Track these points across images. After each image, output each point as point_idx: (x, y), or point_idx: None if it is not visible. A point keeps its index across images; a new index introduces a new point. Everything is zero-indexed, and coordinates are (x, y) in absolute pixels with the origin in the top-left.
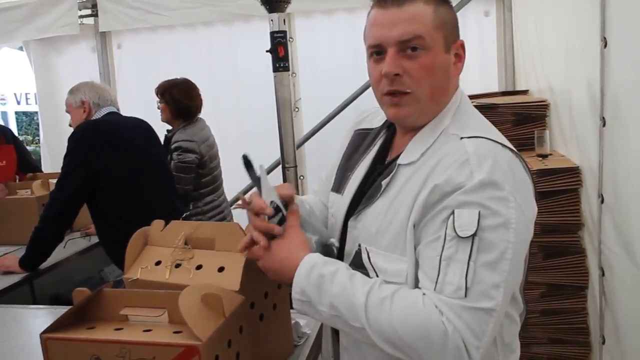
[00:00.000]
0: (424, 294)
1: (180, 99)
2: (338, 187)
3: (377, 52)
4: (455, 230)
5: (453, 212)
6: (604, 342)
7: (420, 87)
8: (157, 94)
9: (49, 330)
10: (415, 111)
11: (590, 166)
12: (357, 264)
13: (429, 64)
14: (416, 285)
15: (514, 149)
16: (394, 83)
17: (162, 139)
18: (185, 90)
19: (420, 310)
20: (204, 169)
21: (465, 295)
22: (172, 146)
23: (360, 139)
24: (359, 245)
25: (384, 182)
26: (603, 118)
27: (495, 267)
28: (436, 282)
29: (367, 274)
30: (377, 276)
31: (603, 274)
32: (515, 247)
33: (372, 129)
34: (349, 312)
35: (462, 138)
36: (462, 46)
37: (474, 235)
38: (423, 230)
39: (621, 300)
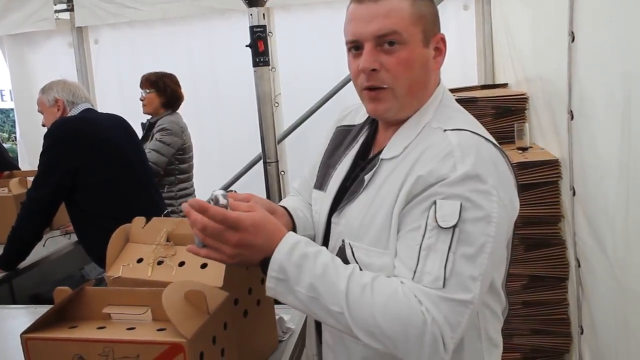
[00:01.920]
0: (402, 282)
1: (174, 87)
2: (321, 184)
3: (355, 47)
4: (436, 220)
5: (435, 203)
6: (582, 332)
7: (398, 82)
8: (145, 84)
9: (29, 330)
10: (394, 106)
11: (564, 159)
12: (341, 259)
13: (406, 58)
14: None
15: (496, 143)
16: (371, 78)
17: (138, 134)
18: (176, 80)
19: (401, 300)
20: (183, 156)
21: (444, 286)
22: (158, 127)
23: (343, 136)
24: (343, 241)
25: (366, 177)
26: (571, 111)
27: (474, 259)
28: (415, 272)
29: None
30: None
31: (579, 265)
32: (495, 241)
33: (354, 125)
34: (329, 294)
35: (445, 130)
36: (443, 40)
37: (454, 226)
38: (403, 219)
39: (595, 290)
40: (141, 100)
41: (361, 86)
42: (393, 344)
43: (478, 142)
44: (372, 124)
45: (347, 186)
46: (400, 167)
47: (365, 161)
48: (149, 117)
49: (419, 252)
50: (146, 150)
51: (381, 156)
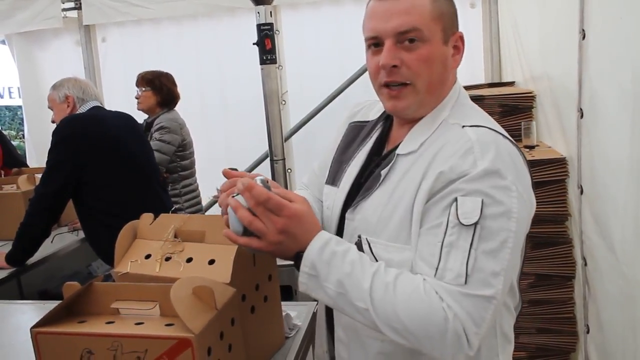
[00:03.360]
0: (424, 279)
1: (170, 86)
2: (333, 179)
3: (374, 43)
4: (458, 218)
5: (456, 200)
6: (588, 331)
7: (418, 78)
8: (141, 83)
9: (39, 324)
10: (414, 103)
11: (572, 157)
12: None
13: (427, 55)
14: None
15: (513, 140)
16: (391, 74)
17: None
18: (172, 80)
19: (422, 297)
20: (184, 152)
21: (466, 282)
22: (156, 126)
23: (356, 132)
24: (359, 237)
25: (382, 172)
26: (581, 109)
27: (496, 255)
28: (437, 269)
29: None
30: None
31: (586, 264)
32: (516, 237)
33: (368, 121)
34: (355, 291)
35: (464, 126)
36: (461, 38)
37: (476, 223)
38: (424, 216)
39: (602, 289)
40: (136, 98)
41: (380, 83)
42: (417, 340)
43: (496, 138)
44: (386, 120)
45: (362, 182)
46: (419, 163)
47: (380, 157)
48: (146, 117)
49: (441, 249)
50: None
51: (397, 151)
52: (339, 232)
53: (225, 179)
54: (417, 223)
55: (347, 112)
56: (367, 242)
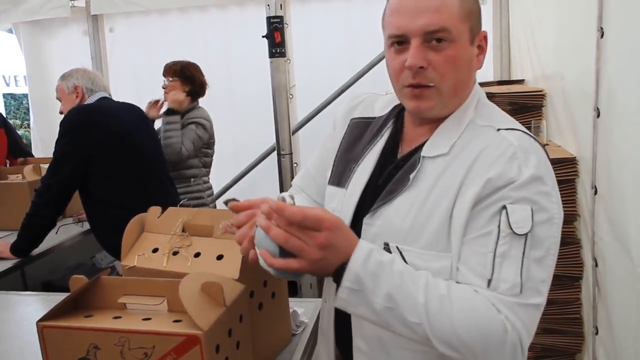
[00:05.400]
0: (475, 290)
1: (200, 77)
2: (339, 180)
3: (398, 42)
4: (510, 227)
5: (505, 207)
6: (597, 333)
7: (444, 80)
8: (169, 73)
9: (45, 318)
10: (437, 105)
11: (584, 157)
12: None
13: (454, 57)
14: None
15: (541, 143)
16: (417, 76)
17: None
18: (200, 69)
19: (480, 310)
20: (208, 150)
21: (521, 292)
22: (192, 119)
23: (361, 128)
24: (387, 245)
25: (411, 176)
26: (597, 109)
27: (543, 262)
28: (490, 279)
29: None
30: None
31: (596, 265)
32: (557, 242)
33: (374, 117)
34: (407, 305)
35: (499, 130)
36: (485, 38)
37: (528, 232)
38: (467, 224)
39: (614, 291)
40: (163, 88)
41: (403, 83)
42: (472, 353)
43: (533, 143)
44: (397, 117)
45: (380, 184)
46: (454, 167)
47: (395, 158)
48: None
49: (493, 259)
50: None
51: (423, 154)
52: None
53: (234, 213)
54: (459, 230)
55: (342, 106)
56: (399, 250)
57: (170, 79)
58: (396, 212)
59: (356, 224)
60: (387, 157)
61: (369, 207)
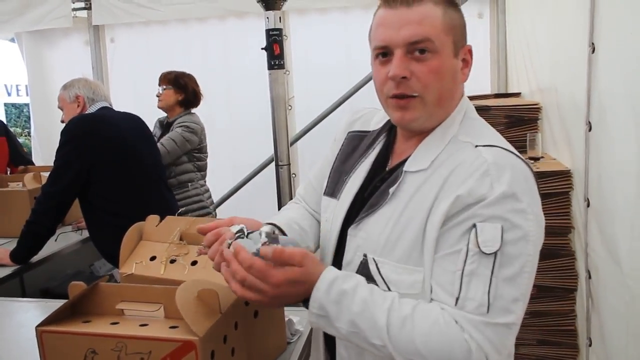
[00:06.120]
0: (442, 308)
1: (194, 87)
2: (332, 191)
3: (383, 53)
4: (478, 246)
5: (475, 226)
6: (590, 344)
7: (428, 90)
8: (163, 81)
9: (44, 323)
10: (422, 115)
11: (578, 170)
12: (364, 275)
13: (438, 67)
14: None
15: (524, 159)
16: (400, 86)
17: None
18: (194, 80)
19: (443, 329)
20: (201, 154)
21: (488, 311)
22: (179, 124)
23: (356, 142)
24: (365, 256)
25: (390, 190)
26: (589, 122)
27: (515, 280)
28: (457, 298)
29: (376, 285)
30: (388, 288)
31: (590, 277)
32: (533, 260)
33: (369, 131)
34: (369, 329)
35: (477, 146)
36: (470, 52)
37: (497, 250)
38: (439, 240)
39: (606, 302)
40: (157, 96)
41: (387, 94)
42: None
43: (511, 159)
44: (389, 131)
45: (365, 196)
46: (431, 182)
47: (384, 171)
48: (165, 115)
49: (461, 277)
50: (164, 138)
51: (405, 168)
52: (339, 246)
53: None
54: (430, 245)
55: (345, 119)
56: (375, 262)
57: (164, 87)
58: (376, 224)
59: (344, 235)
60: (377, 169)
61: (354, 218)
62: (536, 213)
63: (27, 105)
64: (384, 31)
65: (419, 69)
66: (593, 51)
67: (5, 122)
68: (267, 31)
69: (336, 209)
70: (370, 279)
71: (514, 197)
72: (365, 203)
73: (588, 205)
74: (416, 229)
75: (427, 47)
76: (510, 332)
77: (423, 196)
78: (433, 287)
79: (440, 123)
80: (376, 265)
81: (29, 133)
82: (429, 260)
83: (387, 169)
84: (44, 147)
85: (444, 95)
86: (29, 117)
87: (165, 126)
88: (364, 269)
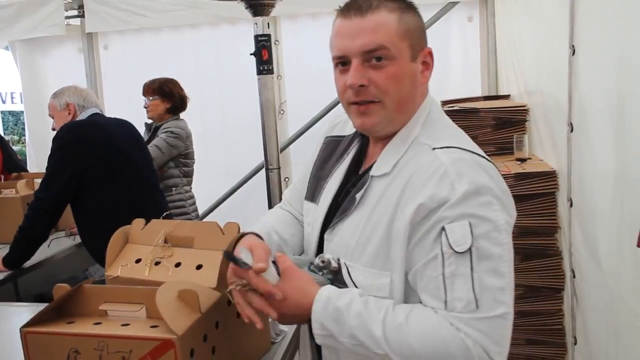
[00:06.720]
0: (436, 312)
1: (179, 92)
2: (312, 195)
3: (342, 62)
4: (451, 247)
5: (444, 229)
6: (575, 343)
7: (387, 96)
8: (148, 92)
9: (28, 324)
10: (382, 120)
11: (563, 170)
12: (338, 279)
13: (395, 73)
14: (404, 297)
15: (485, 155)
16: (360, 94)
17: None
18: (178, 85)
19: (437, 333)
20: (187, 160)
21: (477, 307)
22: (164, 130)
23: (332, 147)
24: (338, 260)
25: (357, 196)
26: (571, 124)
27: (497, 271)
28: (445, 301)
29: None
30: None
31: (574, 276)
32: (509, 246)
33: (344, 136)
34: (369, 341)
35: (434, 149)
36: (430, 54)
37: (470, 247)
38: (415, 251)
39: (589, 301)
40: (145, 107)
41: (348, 101)
42: None
43: (469, 157)
44: (363, 136)
45: (339, 201)
46: (393, 187)
47: (356, 176)
48: (150, 122)
49: (444, 281)
50: (149, 145)
51: (371, 173)
52: (319, 250)
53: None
54: (397, 250)
55: (325, 125)
56: (346, 267)
57: (151, 97)
58: (347, 229)
59: (322, 239)
60: (350, 175)
61: (330, 223)
62: (501, 200)
63: (23, 112)
64: (341, 41)
65: (377, 76)
66: (573, 53)
67: (2, 129)
68: (256, 37)
69: (316, 214)
70: (343, 283)
71: (477, 192)
72: (339, 208)
73: (571, 205)
74: (382, 233)
75: (382, 54)
76: (505, 322)
77: (387, 200)
78: (423, 297)
79: (403, 126)
80: (347, 269)
81: (26, 140)
82: (398, 263)
83: (359, 173)
84: (38, 154)
85: (403, 100)
86: (25, 125)
87: (153, 130)
88: (337, 274)
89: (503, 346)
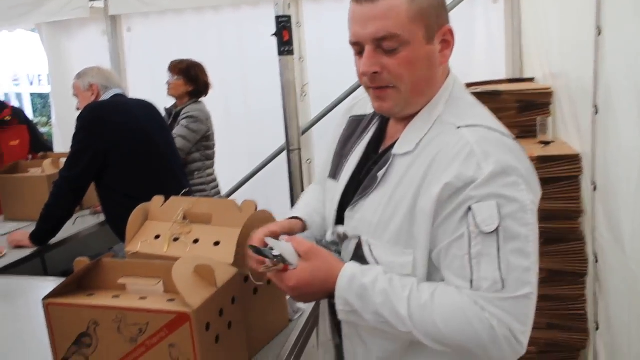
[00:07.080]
0: (461, 292)
1: (204, 78)
2: (334, 173)
3: (357, 47)
4: (478, 227)
5: (470, 208)
6: (597, 328)
7: (401, 81)
8: (174, 70)
9: (50, 295)
10: (398, 104)
11: (587, 153)
12: (358, 256)
13: (409, 58)
14: (427, 274)
15: (509, 134)
16: (374, 80)
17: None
18: (204, 71)
19: (462, 311)
20: (209, 143)
21: (503, 287)
22: (184, 115)
23: (355, 125)
24: (359, 238)
25: (379, 174)
26: (596, 106)
27: (523, 251)
28: (471, 280)
29: None
30: None
31: (597, 260)
32: (535, 227)
33: (366, 114)
34: (394, 319)
35: (459, 127)
36: (451, 32)
37: (497, 227)
38: (440, 230)
39: (611, 286)
40: (167, 83)
41: (366, 85)
42: (472, 354)
43: (494, 137)
44: (382, 115)
45: (360, 179)
46: (416, 165)
47: (376, 154)
48: (173, 103)
49: (470, 260)
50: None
51: (393, 151)
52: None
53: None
54: (422, 228)
55: (346, 105)
56: (368, 244)
57: (175, 76)
58: (369, 207)
59: (341, 215)
60: (370, 153)
61: (351, 200)
62: (529, 181)
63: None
64: (353, 27)
65: (390, 62)
66: (599, 34)
67: (31, 111)
68: (277, 18)
69: (336, 191)
70: (363, 260)
71: (504, 173)
72: (360, 185)
73: (595, 189)
74: (405, 211)
75: (393, 41)
76: (530, 302)
77: (410, 179)
78: (448, 276)
79: (424, 107)
80: (369, 247)
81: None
82: (421, 241)
83: (379, 151)
84: (65, 135)
85: (419, 84)
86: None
87: (173, 116)
88: (358, 251)
89: (527, 325)
